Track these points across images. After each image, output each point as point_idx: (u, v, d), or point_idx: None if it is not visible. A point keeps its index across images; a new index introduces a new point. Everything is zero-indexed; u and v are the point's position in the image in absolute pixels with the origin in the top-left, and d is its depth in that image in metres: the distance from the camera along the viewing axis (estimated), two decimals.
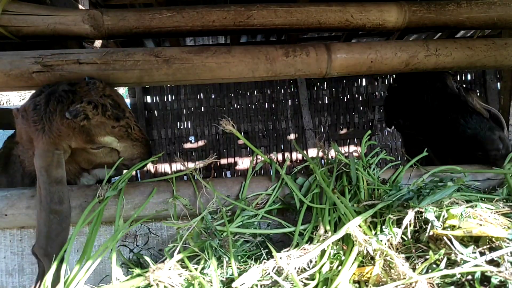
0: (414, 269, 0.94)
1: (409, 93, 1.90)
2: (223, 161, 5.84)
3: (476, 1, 1.64)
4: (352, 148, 5.99)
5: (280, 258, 1.04)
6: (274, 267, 1.04)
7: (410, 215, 1.06)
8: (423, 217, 1.08)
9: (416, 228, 1.10)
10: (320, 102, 5.99)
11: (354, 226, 1.06)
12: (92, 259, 1.07)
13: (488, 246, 0.95)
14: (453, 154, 1.78)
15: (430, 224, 1.05)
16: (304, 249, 1.08)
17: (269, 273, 1.03)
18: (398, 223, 1.12)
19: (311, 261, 1.07)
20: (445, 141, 1.78)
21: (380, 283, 0.95)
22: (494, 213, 1.07)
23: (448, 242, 0.97)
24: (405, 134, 2.31)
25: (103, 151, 1.46)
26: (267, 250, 1.26)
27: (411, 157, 1.48)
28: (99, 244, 1.36)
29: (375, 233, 1.12)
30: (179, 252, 1.13)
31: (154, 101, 5.87)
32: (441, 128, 1.76)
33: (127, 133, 1.45)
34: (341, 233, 1.07)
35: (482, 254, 0.94)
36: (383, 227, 1.12)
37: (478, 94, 1.88)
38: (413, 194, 1.27)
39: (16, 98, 12.32)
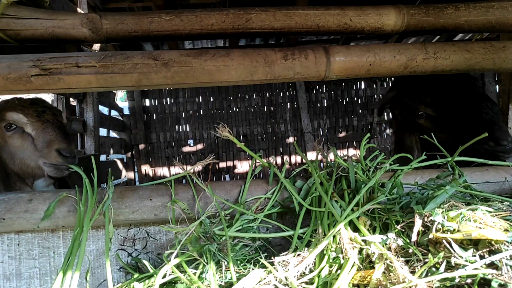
0: (413, 273, 0.94)
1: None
2: (222, 164, 5.84)
3: (474, 4, 1.65)
4: (351, 150, 6.00)
5: (278, 263, 1.03)
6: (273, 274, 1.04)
7: (418, 222, 1.06)
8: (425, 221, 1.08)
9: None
10: (319, 105, 6.00)
11: (343, 230, 1.07)
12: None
13: (487, 249, 0.95)
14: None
15: (431, 227, 1.05)
16: (301, 255, 1.07)
17: (267, 278, 1.03)
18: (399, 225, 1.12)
19: (310, 265, 1.06)
20: (460, 130, 1.82)
21: (380, 287, 0.94)
22: (494, 216, 1.07)
23: (448, 245, 0.97)
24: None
25: (17, 138, 1.69)
26: (266, 254, 1.25)
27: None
28: (97, 248, 1.36)
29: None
30: (177, 257, 1.13)
31: (153, 104, 5.87)
32: (463, 114, 1.81)
33: (36, 112, 1.70)
34: (329, 236, 1.09)
35: (481, 257, 0.93)
36: (388, 231, 1.12)
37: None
38: (410, 197, 1.28)
39: None
